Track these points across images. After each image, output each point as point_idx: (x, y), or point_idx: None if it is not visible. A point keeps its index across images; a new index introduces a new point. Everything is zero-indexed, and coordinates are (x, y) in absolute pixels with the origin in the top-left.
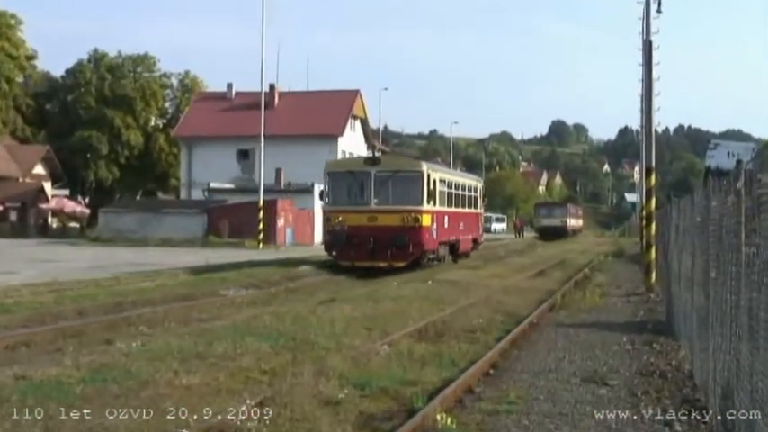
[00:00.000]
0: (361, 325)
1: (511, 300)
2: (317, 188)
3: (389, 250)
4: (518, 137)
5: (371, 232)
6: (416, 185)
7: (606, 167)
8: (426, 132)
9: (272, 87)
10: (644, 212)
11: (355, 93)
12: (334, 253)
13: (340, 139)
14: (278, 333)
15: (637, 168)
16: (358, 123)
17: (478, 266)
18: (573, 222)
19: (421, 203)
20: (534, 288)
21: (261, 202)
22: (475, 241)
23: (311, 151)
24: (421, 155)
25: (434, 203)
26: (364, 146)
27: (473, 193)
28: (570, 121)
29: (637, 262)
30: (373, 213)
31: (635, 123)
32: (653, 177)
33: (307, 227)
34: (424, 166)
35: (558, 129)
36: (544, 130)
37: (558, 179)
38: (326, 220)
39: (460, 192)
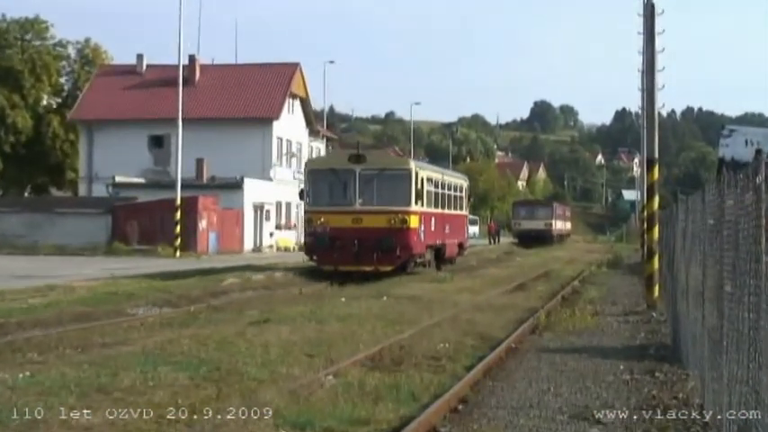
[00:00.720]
0: (301, 351)
1: (484, 319)
2: (249, 184)
3: (375, 253)
4: (493, 121)
5: (356, 234)
6: (404, 184)
7: (600, 159)
8: (382, 115)
9: (191, 59)
10: (645, 213)
11: (294, 67)
12: (315, 257)
13: (275, 124)
14: (199, 361)
15: (637, 160)
16: (298, 104)
17: (444, 279)
18: (559, 225)
19: (409, 204)
20: (513, 305)
21: (178, 201)
22: (460, 246)
23: (240, 138)
24: (374, 142)
25: (422, 204)
26: (305, 131)
27: (459, 193)
28: (556, 102)
29: (636, 273)
30: (358, 214)
31: (634, 105)
32: (656, 171)
33: (235, 230)
34: (413, 164)
35: (541, 111)
36: (525, 113)
37: (541, 173)
38: (307, 222)
39: (447, 191)
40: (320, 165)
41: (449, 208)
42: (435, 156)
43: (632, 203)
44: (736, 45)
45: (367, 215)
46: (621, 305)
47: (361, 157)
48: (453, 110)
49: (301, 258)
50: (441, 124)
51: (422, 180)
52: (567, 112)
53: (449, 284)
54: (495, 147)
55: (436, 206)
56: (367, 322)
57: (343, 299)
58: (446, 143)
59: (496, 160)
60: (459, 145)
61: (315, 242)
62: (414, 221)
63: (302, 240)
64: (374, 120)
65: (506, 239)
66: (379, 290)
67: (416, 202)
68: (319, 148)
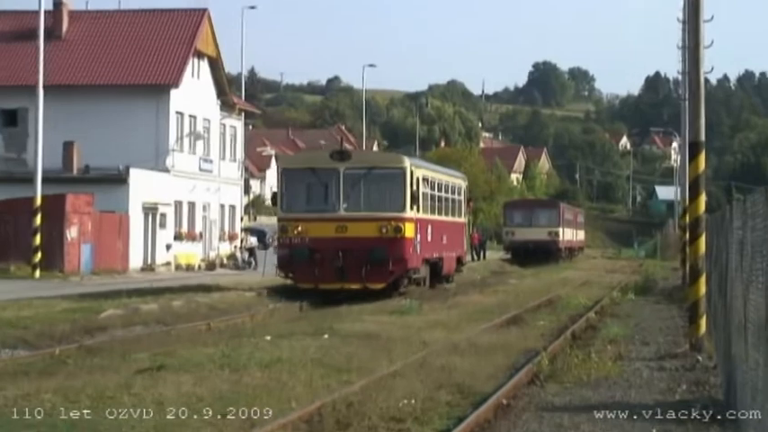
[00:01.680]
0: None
1: (464, 365)
2: (137, 177)
3: (363, 268)
4: (476, 90)
5: (340, 246)
6: (397, 186)
7: (624, 142)
8: (322, 82)
9: (57, 4)
10: (686, 218)
11: (200, 15)
12: (291, 274)
13: (174, 94)
14: (67, 426)
15: (675, 144)
16: (205, 66)
17: (409, 309)
18: (568, 235)
19: (403, 209)
20: (504, 346)
21: (38, 200)
22: (459, 261)
23: (125, 113)
24: (312, 119)
25: (418, 209)
26: (215, 103)
27: (457, 196)
28: (564, 65)
29: (675, 301)
30: (342, 222)
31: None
32: (702, 159)
33: (116, 242)
34: (407, 162)
35: (543, 77)
36: (520, 80)
37: (543, 162)
38: (281, 231)
39: (443, 194)
40: (296, 163)
41: (446, 214)
42: (396, 138)
43: (669, 205)
44: None
45: (353, 223)
46: (654, 346)
47: (345, 153)
48: (422, 75)
49: (259, 276)
50: (404, 95)
51: (417, 180)
52: (579, 77)
53: (415, 317)
54: (480, 126)
55: (432, 212)
56: (301, 369)
57: (268, 337)
58: (412, 121)
59: (481, 144)
60: (429, 123)
61: (290, 256)
62: (409, 230)
63: (239, 253)
64: (311, 88)
65: (495, 253)
66: (320, 324)
67: (412, 208)
68: (234, 126)
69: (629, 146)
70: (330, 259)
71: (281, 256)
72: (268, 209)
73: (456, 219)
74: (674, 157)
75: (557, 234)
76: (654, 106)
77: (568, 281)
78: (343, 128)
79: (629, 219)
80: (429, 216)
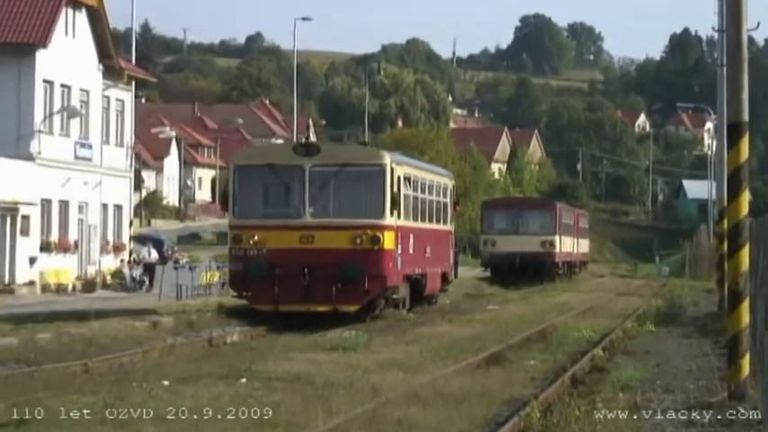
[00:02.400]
0: None
1: (428, 420)
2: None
3: (334, 287)
4: (446, 53)
5: (306, 259)
6: (375, 187)
7: (642, 122)
8: (240, 41)
9: None
10: (724, 223)
11: None
12: (246, 293)
13: (41, 56)
14: None
15: (710, 125)
16: (84, 19)
17: (355, 344)
18: (567, 245)
19: (382, 214)
20: (481, 393)
21: None
22: (444, 278)
23: None
24: (225, 88)
25: (399, 215)
26: (96, 68)
27: (442, 198)
28: (561, 19)
29: (709, 333)
30: (308, 230)
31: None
32: (744, 145)
33: None
34: (387, 158)
35: (534, 36)
36: (504, 39)
37: (534, 147)
38: (234, 242)
39: (427, 195)
40: (252, 159)
41: (430, 220)
42: (339, 115)
43: (701, 205)
44: None
45: (321, 231)
46: (681, 393)
47: (312, 147)
48: (372, 32)
49: (158, 299)
50: (349, 58)
51: (398, 180)
52: (582, 36)
53: (363, 354)
54: (450, 100)
55: (415, 218)
56: (210, 426)
57: (165, 382)
58: (359, 92)
59: (452, 125)
60: (383, 96)
61: (245, 271)
62: (388, 240)
63: (127, 269)
64: (224, 49)
65: (469, 270)
66: (235, 364)
67: (392, 213)
68: (122, 100)
69: (647, 127)
70: (293, 276)
71: (233, 272)
72: (167, 210)
73: (441, 226)
74: (708, 143)
75: (552, 244)
76: (681, 75)
77: (567, 307)
78: (268, 102)
79: (648, 224)
80: (411, 223)
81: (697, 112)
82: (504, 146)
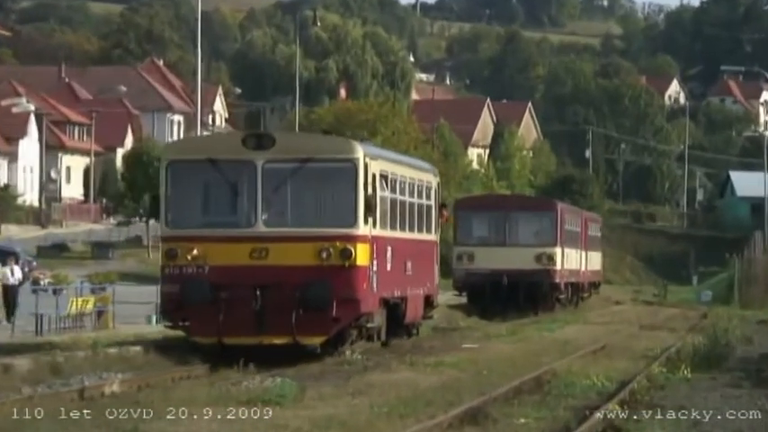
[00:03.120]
0: None
1: None
2: None
3: (294, 313)
4: None
5: (258, 279)
6: (345, 188)
7: (675, 93)
8: None
9: None
10: None
11: None
12: (183, 322)
13: None
14: None
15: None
16: None
17: (281, 396)
18: (572, 260)
19: (354, 222)
20: None
21: None
22: (428, 301)
23: None
24: (106, 46)
25: (374, 223)
26: None
27: (425, 199)
28: None
29: (766, 381)
30: (262, 243)
31: None
32: None
33: None
34: (360, 151)
35: None
36: None
37: (527, 125)
38: (167, 257)
39: (407, 197)
40: (189, 153)
41: (411, 229)
42: (260, 81)
43: (756, 205)
44: None
45: (278, 244)
46: None
47: (265, 138)
48: None
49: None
50: (272, 3)
51: (373, 179)
52: None
53: (292, 410)
54: (413, 61)
55: (393, 226)
56: None
57: None
58: (287, 51)
59: (414, 95)
60: (320, 56)
61: (181, 295)
62: (362, 255)
63: None
64: None
65: (441, 293)
66: (114, 425)
67: (366, 220)
68: None
69: (682, 98)
70: (242, 300)
71: (166, 296)
72: (22, 211)
73: (424, 236)
74: (765, 119)
75: (551, 259)
76: (728, 26)
77: (572, 345)
78: (162, 63)
79: (682, 231)
80: (389, 233)
81: (749, 78)
82: (485, 124)
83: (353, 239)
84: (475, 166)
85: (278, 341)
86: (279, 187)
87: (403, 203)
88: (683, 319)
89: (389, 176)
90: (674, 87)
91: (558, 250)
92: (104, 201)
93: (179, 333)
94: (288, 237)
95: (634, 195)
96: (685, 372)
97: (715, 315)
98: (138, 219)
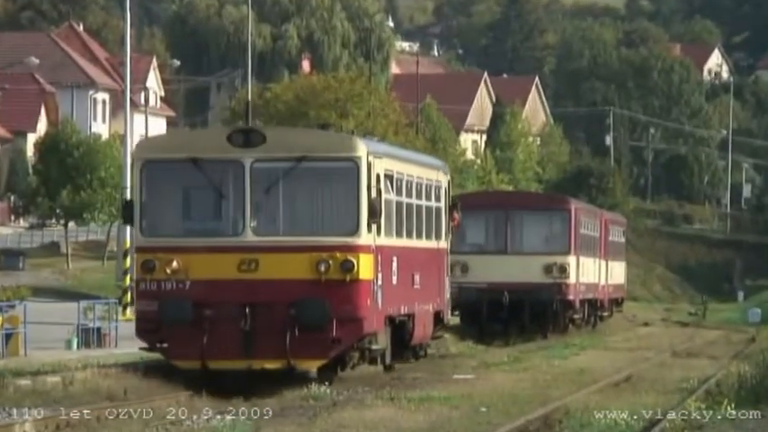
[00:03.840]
0: None
1: None
2: None
3: (288, 333)
4: None
5: (247, 295)
6: (346, 190)
7: (716, 64)
8: None
9: None
10: None
11: None
12: (161, 344)
13: None
14: None
15: None
16: None
17: None
18: (588, 271)
19: (356, 230)
20: None
21: None
22: (437, 318)
23: None
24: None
25: (378, 230)
26: None
27: (434, 201)
28: None
29: None
30: (251, 254)
31: None
32: None
33: None
34: (363, 148)
35: None
36: None
37: (534, 105)
38: (143, 270)
39: (415, 200)
40: (167, 151)
41: (419, 235)
42: (203, 52)
43: None
44: None
45: (269, 255)
46: None
47: (254, 134)
48: None
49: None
50: None
51: (377, 179)
52: None
53: None
54: (392, 26)
55: (399, 233)
56: None
57: None
58: (235, 14)
59: (394, 68)
60: (277, 20)
61: (159, 312)
62: (365, 267)
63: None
64: None
65: None
66: None
67: (370, 228)
68: None
69: (725, 73)
70: (229, 319)
71: (142, 314)
72: None
73: (432, 243)
74: None
75: (563, 271)
76: None
77: (589, 376)
78: (82, 29)
79: (725, 236)
80: (395, 241)
81: None
82: (482, 104)
83: (355, 250)
84: (469, 155)
85: (270, 365)
86: (270, 190)
87: (410, 207)
88: (725, 344)
89: (395, 176)
90: (716, 59)
91: (571, 260)
92: (12, 199)
93: (105, 356)
94: (281, 247)
95: (666, 192)
96: (729, 408)
97: (766, 339)
98: (54, 221)
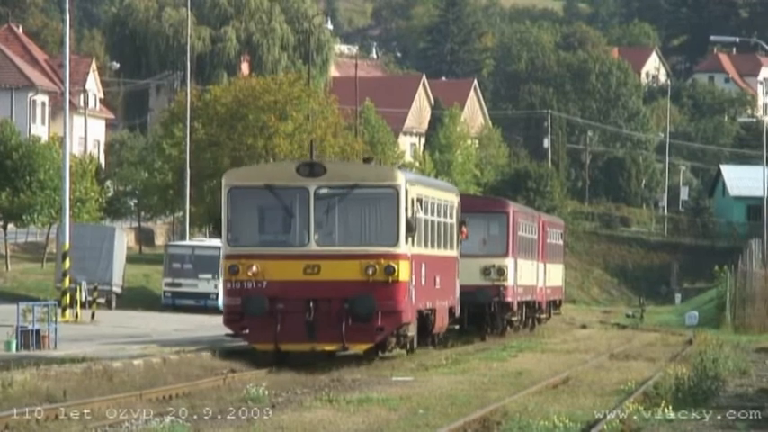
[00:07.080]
0: None
1: None
2: None
3: (343, 323)
4: None
5: (311, 293)
6: (389, 211)
7: (654, 67)
8: None
9: None
10: None
11: None
12: (243, 331)
13: None
14: None
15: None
16: None
17: None
18: (526, 273)
19: (396, 242)
20: None
21: None
22: (451, 312)
23: None
24: None
25: (412, 242)
26: None
27: (449, 218)
28: None
29: (765, 422)
30: (314, 260)
31: None
32: None
33: None
34: (401, 178)
35: None
36: None
37: (471, 108)
38: (229, 273)
39: (436, 217)
40: (249, 179)
41: (438, 246)
42: (142, 53)
43: (752, 207)
44: None
45: (328, 261)
46: None
47: (317, 167)
48: None
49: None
50: None
51: (412, 202)
52: None
53: None
54: (331, 28)
55: (426, 244)
56: None
57: None
58: (174, 16)
59: (333, 71)
60: (215, 23)
61: (242, 306)
62: (404, 271)
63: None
64: None
65: None
66: None
67: (407, 240)
68: None
69: (662, 76)
70: (296, 311)
71: (228, 307)
72: None
73: (448, 252)
74: (765, 102)
75: (500, 273)
76: None
77: (527, 378)
78: (21, 30)
79: (662, 239)
80: (423, 250)
81: (744, 50)
82: (420, 107)
83: (396, 257)
84: (408, 157)
85: (328, 348)
86: (329, 210)
87: (433, 223)
88: (663, 347)
89: (423, 199)
90: (653, 62)
91: (509, 262)
92: None
93: (44, 355)
94: (337, 255)
95: (604, 194)
96: (666, 410)
97: (702, 341)
98: None
